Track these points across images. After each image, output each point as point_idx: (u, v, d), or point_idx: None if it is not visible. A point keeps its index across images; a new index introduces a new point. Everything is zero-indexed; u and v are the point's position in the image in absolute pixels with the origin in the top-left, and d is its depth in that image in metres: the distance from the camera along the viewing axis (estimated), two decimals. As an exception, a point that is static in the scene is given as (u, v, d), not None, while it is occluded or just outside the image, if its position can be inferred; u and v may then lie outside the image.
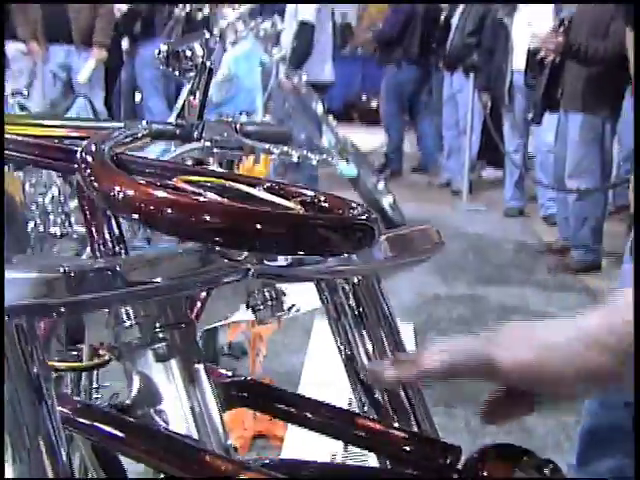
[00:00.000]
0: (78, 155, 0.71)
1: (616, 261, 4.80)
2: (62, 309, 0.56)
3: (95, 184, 0.62)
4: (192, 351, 0.72)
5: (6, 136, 0.79)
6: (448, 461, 0.67)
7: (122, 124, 1.03)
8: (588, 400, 1.73)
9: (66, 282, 0.56)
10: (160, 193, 0.56)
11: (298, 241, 0.56)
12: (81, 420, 0.66)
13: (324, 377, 2.92)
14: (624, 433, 1.61)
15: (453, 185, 6.67)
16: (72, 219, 4.26)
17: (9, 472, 0.59)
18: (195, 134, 1.12)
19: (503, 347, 0.65)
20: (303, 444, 2.57)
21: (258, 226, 0.55)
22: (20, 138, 0.80)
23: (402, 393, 0.79)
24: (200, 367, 0.72)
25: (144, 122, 1.04)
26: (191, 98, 1.13)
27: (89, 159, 0.68)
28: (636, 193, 1.42)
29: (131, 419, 0.67)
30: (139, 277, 0.60)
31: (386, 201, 5.35)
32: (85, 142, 0.75)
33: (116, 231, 0.70)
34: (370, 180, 5.24)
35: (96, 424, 0.66)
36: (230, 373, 0.80)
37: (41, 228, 4.11)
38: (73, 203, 4.43)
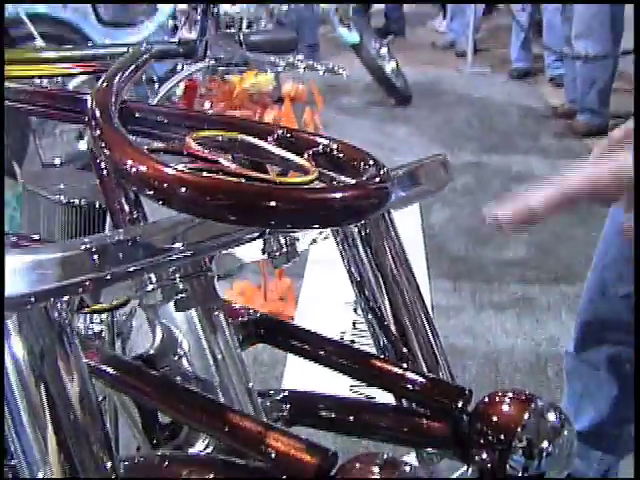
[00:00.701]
0: (88, 109, 0.71)
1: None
2: (88, 285, 0.58)
3: (107, 152, 0.62)
4: (211, 299, 0.74)
5: (10, 85, 0.78)
6: (460, 404, 0.70)
7: (125, 49, 1.01)
8: (587, 290, 1.79)
9: (89, 259, 0.58)
10: (173, 172, 0.56)
11: (314, 217, 0.57)
12: (107, 371, 0.70)
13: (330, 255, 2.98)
14: (620, 323, 1.67)
15: (457, 47, 6.52)
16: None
17: (46, 417, 0.61)
18: (199, 51, 1.10)
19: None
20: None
21: (273, 204, 0.55)
22: (23, 87, 0.79)
23: (414, 323, 0.81)
24: (219, 313, 0.74)
25: (145, 44, 1.02)
26: (194, 14, 1.10)
27: (99, 117, 0.68)
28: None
29: (153, 372, 0.70)
30: (160, 245, 0.62)
31: (389, 67, 5.25)
32: (92, 92, 0.75)
33: (132, 194, 0.71)
34: (372, 46, 5.12)
35: (121, 376, 0.69)
36: (249, 310, 0.83)
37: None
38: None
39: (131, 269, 0.60)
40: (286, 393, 0.80)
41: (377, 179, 0.62)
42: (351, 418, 0.75)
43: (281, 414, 0.78)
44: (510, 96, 5.54)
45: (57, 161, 3.61)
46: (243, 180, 0.59)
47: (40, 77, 0.90)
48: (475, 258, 3.33)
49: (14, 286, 0.54)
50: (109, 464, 0.60)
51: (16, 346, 0.58)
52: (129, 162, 0.59)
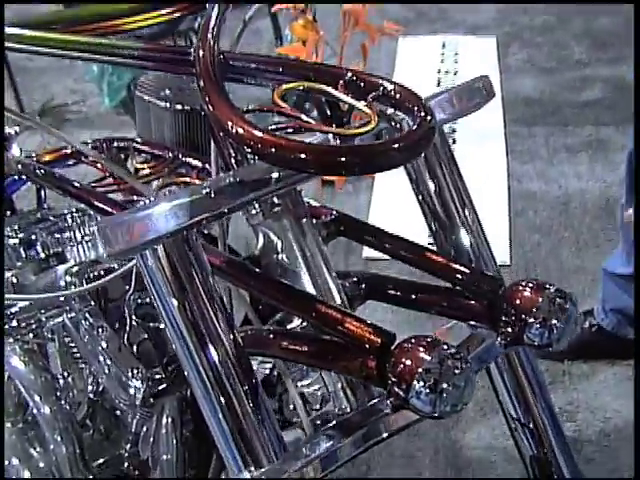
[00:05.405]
0: (195, 64, 0.89)
1: None
2: (211, 218, 0.79)
3: (211, 109, 0.82)
4: (298, 209, 0.94)
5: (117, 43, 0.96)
6: (494, 290, 0.90)
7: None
8: None
9: (212, 199, 0.78)
10: (262, 135, 0.75)
11: (373, 166, 0.75)
12: (225, 270, 0.91)
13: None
14: None
15: None
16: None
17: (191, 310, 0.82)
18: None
19: None
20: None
21: (342, 159, 0.74)
22: (132, 44, 0.97)
23: (465, 223, 0.99)
24: (306, 221, 0.94)
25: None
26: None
27: (204, 75, 0.86)
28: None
29: (258, 270, 0.92)
30: (259, 182, 0.82)
31: None
32: (194, 48, 0.92)
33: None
34: None
35: (235, 273, 0.91)
36: (331, 210, 1.03)
37: None
38: None
39: (239, 202, 0.80)
40: (361, 275, 1.01)
41: (424, 127, 0.79)
42: (413, 297, 0.96)
43: (357, 292, 1.00)
44: None
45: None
46: (318, 134, 0.79)
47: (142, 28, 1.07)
48: (550, 101, 3.39)
49: (164, 225, 0.75)
50: (231, 336, 0.82)
51: (164, 267, 0.79)
52: (229, 123, 0.78)
